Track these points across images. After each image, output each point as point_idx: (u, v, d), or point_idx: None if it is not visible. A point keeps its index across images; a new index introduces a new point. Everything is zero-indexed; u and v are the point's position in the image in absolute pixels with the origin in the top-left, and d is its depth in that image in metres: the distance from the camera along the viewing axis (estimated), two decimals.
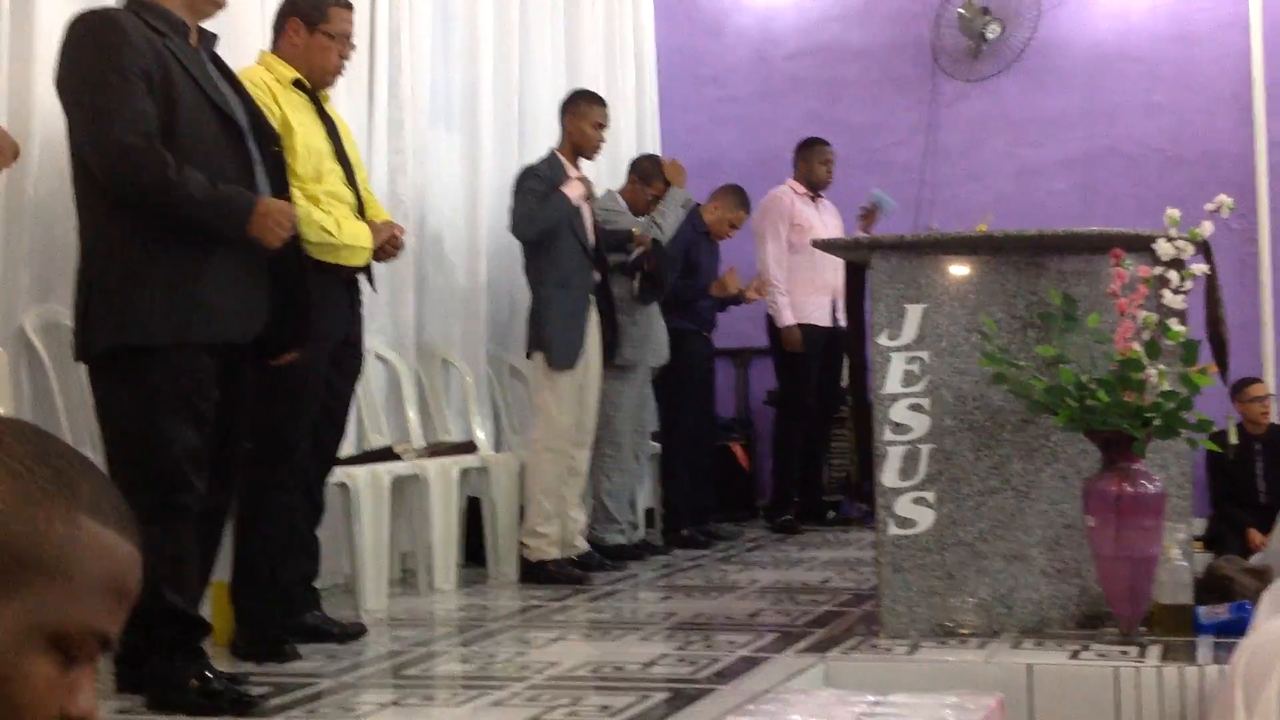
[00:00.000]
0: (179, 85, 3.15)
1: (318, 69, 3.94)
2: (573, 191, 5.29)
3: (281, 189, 3.40)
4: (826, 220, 6.96)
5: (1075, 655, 3.45)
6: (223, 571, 3.88)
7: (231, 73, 3.43)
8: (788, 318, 6.76)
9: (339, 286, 3.95)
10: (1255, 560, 4.18)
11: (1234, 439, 6.14)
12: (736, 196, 6.60)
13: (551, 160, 5.46)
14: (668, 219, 5.81)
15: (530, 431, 5.52)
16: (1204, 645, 3.50)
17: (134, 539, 0.92)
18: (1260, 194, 7.32)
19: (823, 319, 6.88)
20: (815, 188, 6.98)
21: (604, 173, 6.59)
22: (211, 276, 3.17)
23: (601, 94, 5.84)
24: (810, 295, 6.86)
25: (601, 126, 5.55)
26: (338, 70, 4.00)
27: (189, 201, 3.11)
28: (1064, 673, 3.33)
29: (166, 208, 3.11)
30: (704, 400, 6.63)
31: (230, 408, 3.29)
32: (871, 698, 1.60)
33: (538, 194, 5.28)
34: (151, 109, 3.10)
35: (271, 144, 3.42)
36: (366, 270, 4.08)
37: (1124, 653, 3.44)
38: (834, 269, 6.83)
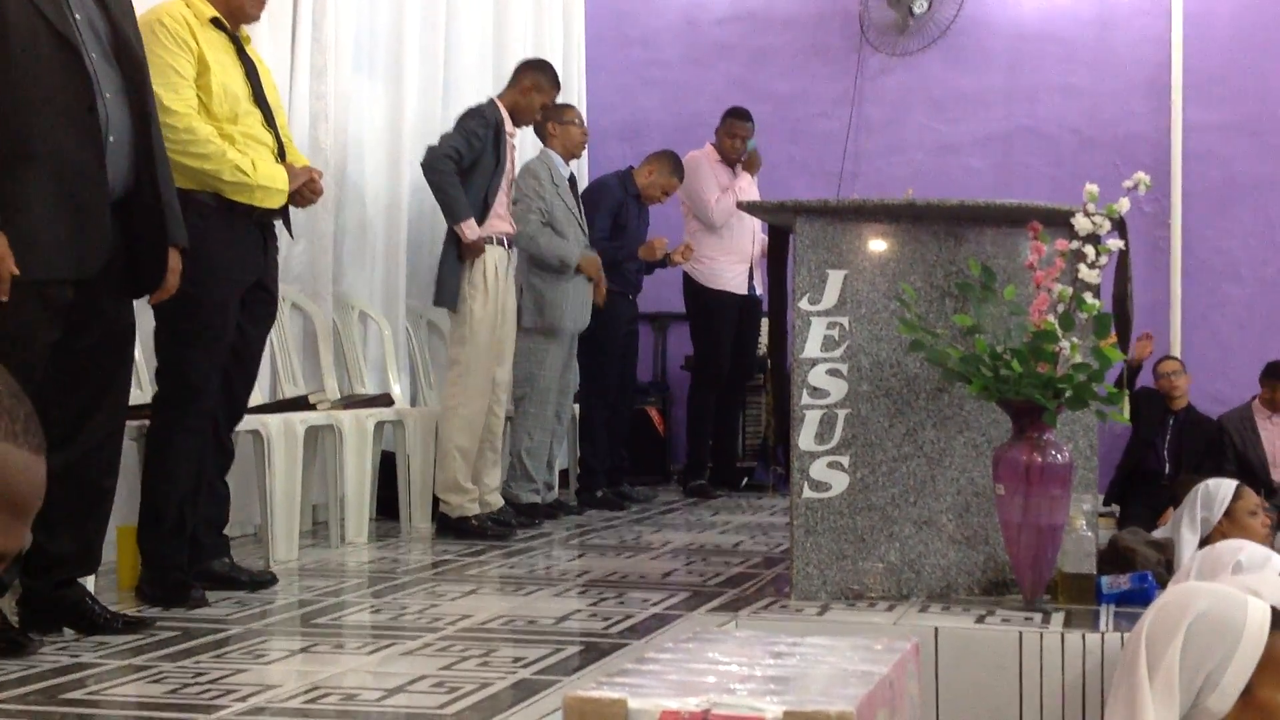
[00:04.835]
0: (9, 14, 2.98)
1: (235, 5, 3.85)
2: (469, 232, 5.19)
3: (144, 117, 3.24)
4: (743, 186, 6.97)
5: (981, 620, 3.52)
6: (129, 515, 3.83)
7: None
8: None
9: (252, 229, 3.86)
10: (1158, 533, 4.27)
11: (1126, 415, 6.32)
12: (671, 163, 6.59)
13: (492, 107, 5.41)
14: None
15: (445, 386, 5.48)
16: (1105, 614, 3.57)
17: (31, 445, 0.89)
18: (1174, 178, 7.47)
19: (739, 286, 6.92)
20: (726, 159, 6.97)
21: (526, 135, 6.55)
22: (31, 208, 2.97)
23: (529, 49, 5.82)
24: (727, 263, 6.89)
25: (545, 108, 5.58)
26: (254, 3, 3.90)
27: None
28: (970, 636, 3.39)
29: None
30: (626, 362, 6.64)
31: (86, 351, 3.19)
32: (789, 639, 1.62)
33: (474, 142, 5.22)
34: None
35: (135, 71, 3.23)
36: (284, 215, 4.01)
37: (1028, 619, 3.51)
38: (750, 237, 6.91)
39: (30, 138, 3.00)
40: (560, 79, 5.76)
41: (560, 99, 7.36)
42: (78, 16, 3.11)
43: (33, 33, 3.00)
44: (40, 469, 0.91)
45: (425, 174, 5.27)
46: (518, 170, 5.57)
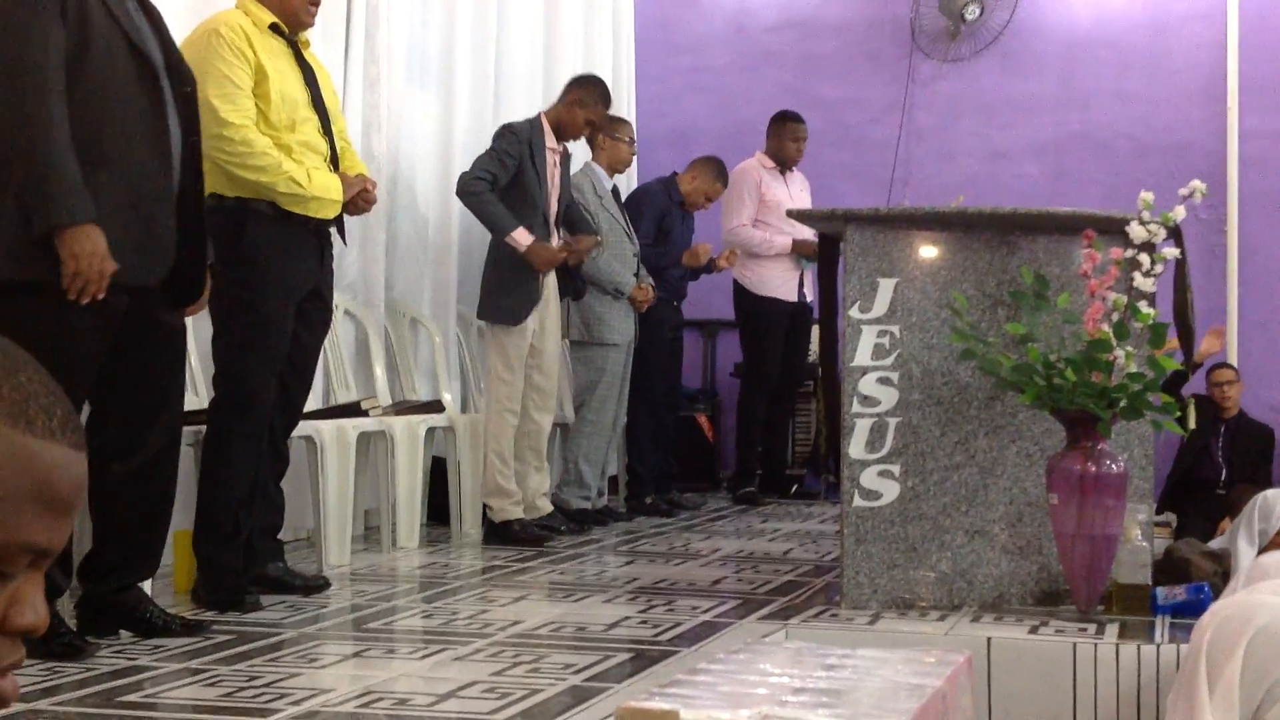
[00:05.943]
0: (94, 20, 3.01)
1: (288, 11, 3.88)
2: (521, 239, 5.22)
3: (191, 131, 3.26)
4: (795, 194, 6.95)
5: (1034, 630, 3.49)
6: (185, 519, 3.87)
7: (151, 6, 3.26)
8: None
9: (308, 237, 3.89)
10: (1214, 544, 4.22)
11: (1191, 423, 6.21)
12: (715, 169, 6.59)
13: (535, 124, 5.44)
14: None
15: (486, 394, 5.53)
16: (1161, 625, 3.54)
17: (70, 442, 0.87)
18: (1230, 184, 7.38)
19: (789, 294, 6.90)
20: (784, 164, 6.96)
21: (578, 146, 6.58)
22: (102, 213, 2.96)
23: (578, 57, 5.83)
24: (778, 270, 6.87)
25: (590, 122, 5.57)
26: (306, 10, 3.92)
27: (45, 139, 2.89)
28: (1023, 647, 3.36)
29: (27, 133, 2.90)
30: (671, 369, 6.65)
31: (141, 361, 3.20)
32: (841, 651, 1.61)
33: (506, 160, 5.24)
34: (59, 38, 2.95)
35: (184, 85, 3.25)
36: (338, 223, 4.04)
37: (1082, 629, 3.48)
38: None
39: (103, 143, 3.03)
40: (610, 89, 5.76)
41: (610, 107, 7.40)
42: (146, 35, 3.14)
43: (114, 48, 3.04)
44: (80, 465, 0.89)
45: (461, 200, 5.33)
46: (559, 184, 5.56)
